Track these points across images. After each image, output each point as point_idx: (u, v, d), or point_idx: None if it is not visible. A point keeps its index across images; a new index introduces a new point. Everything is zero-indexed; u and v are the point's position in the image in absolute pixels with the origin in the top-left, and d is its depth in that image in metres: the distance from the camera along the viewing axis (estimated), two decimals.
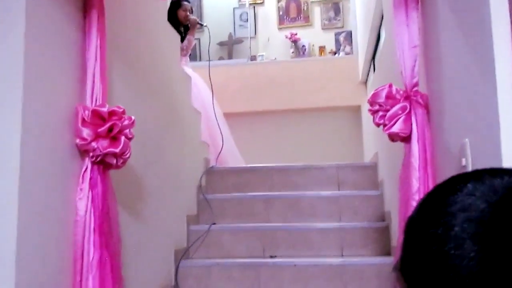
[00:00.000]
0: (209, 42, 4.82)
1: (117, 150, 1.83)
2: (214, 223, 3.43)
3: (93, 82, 1.86)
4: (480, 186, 0.53)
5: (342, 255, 3.20)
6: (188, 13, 4.50)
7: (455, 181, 0.57)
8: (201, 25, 4.60)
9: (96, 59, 1.88)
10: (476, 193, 0.53)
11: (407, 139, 1.90)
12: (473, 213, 0.51)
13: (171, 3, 4.47)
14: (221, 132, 4.15)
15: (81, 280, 1.72)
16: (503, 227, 0.49)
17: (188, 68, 4.42)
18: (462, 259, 0.49)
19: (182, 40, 4.39)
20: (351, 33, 5.86)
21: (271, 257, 3.21)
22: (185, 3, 4.53)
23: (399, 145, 2.07)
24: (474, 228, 0.50)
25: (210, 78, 4.11)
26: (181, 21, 4.48)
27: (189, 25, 4.51)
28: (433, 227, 0.53)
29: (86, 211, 1.76)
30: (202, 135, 4.14)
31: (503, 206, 0.51)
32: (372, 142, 4.31)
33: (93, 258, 1.74)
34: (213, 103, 4.20)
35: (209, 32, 4.54)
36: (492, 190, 0.52)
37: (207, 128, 4.27)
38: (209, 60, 4.35)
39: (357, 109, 5.58)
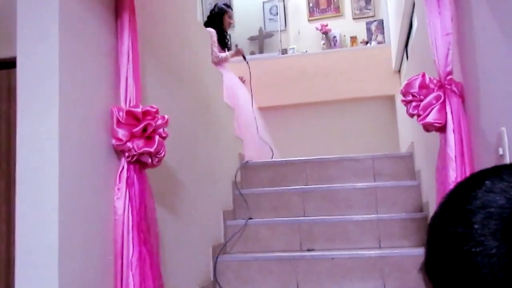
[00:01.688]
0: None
1: (152, 150, 1.86)
2: (251, 218, 3.45)
3: (126, 83, 1.89)
4: (499, 182, 0.53)
5: (380, 247, 3.17)
6: (232, 21, 4.61)
7: (474, 178, 0.56)
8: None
9: (128, 61, 1.91)
10: (495, 190, 0.52)
11: (442, 129, 1.87)
12: (492, 210, 0.51)
13: (218, 8, 4.58)
14: (257, 127, 4.20)
15: (122, 277, 1.76)
16: None
17: (230, 71, 4.53)
18: (484, 257, 0.49)
19: (224, 45, 4.50)
20: (382, 22, 5.78)
21: (309, 250, 3.21)
22: (230, 10, 4.61)
23: (436, 134, 2.04)
24: (494, 224, 0.50)
25: (250, 74, 4.21)
26: (225, 27, 4.59)
27: (236, 50, 4.67)
28: (453, 226, 0.53)
29: (124, 210, 1.80)
30: (239, 130, 4.20)
31: None
32: (408, 131, 4.24)
33: (132, 255, 1.77)
34: (251, 99, 4.27)
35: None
36: (510, 185, 0.52)
37: (244, 123, 4.33)
38: (247, 62, 4.44)
39: (391, 99, 5.50)
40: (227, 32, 4.64)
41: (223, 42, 4.56)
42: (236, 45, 4.69)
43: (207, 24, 4.59)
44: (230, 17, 4.61)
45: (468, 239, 0.51)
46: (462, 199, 0.55)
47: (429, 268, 0.57)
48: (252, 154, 4.25)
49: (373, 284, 2.88)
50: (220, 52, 4.52)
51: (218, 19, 4.58)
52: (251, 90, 4.38)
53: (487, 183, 0.54)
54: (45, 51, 1.60)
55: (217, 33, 4.50)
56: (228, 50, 4.69)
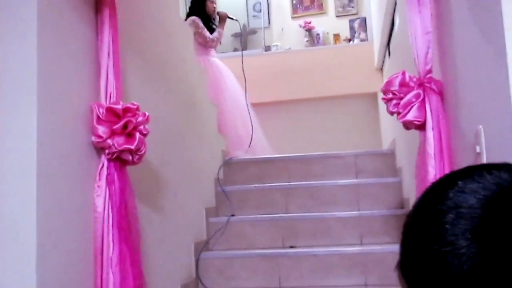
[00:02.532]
0: (241, 35, 4.89)
1: (133, 147, 1.85)
2: (233, 215, 3.45)
3: (107, 79, 1.88)
4: (470, 182, 0.54)
5: (362, 243, 3.20)
6: (215, 5, 4.56)
7: (447, 179, 0.57)
8: (232, 19, 4.65)
9: (109, 57, 1.90)
10: (466, 190, 0.53)
11: (422, 126, 1.89)
12: (463, 210, 0.52)
13: None
14: (251, 122, 4.20)
15: (102, 275, 1.75)
16: (493, 222, 0.50)
17: (216, 59, 4.48)
18: (454, 256, 0.50)
19: (211, 32, 4.46)
20: (365, 20, 5.81)
21: (291, 247, 3.23)
22: None
23: (416, 131, 2.06)
24: (465, 224, 0.51)
25: (243, 70, 4.25)
26: (209, 13, 4.53)
27: (219, 18, 4.56)
28: (426, 225, 0.54)
29: (104, 208, 1.79)
30: (233, 126, 4.20)
31: (492, 201, 0.51)
32: (390, 129, 4.28)
33: (112, 253, 1.76)
34: (246, 94, 4.27)
35: (240, 26, 4.62)
36: (481, 186, 0.53)
37: (239, 118, 4.33)
38: (242, 51, 4.47)
39: (373, 96, 5.53)
40: (213, 18, 4.60)
41: (209, 28, 4.53)
42: (218, 13, 4.58)
43: (190, 12, 4.52)
44: (213, 1, 4.56)
45: (440, 239, 0.52)
46: (435, 199, 0.55)
47: (403, 266, 0.58)
48: (241, 147, 4.25)
49: (355, 280, 2.90)
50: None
51: (200, 6, 4.51)
52: (245, 78, 4.32)
53: (459, 184, 0.54)
54: (24, 47, 1.58)
55: (202, 19, 4.45)
56: None
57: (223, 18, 4.58)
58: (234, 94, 4.42)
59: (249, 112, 4.31)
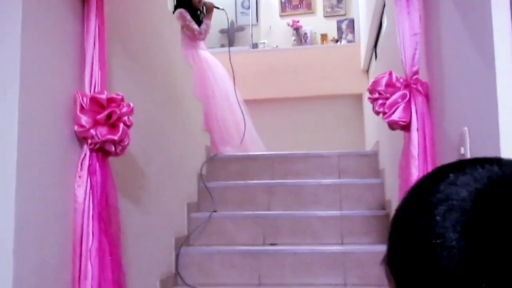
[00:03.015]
0: (228, 26, 4.88)
1: (116, 137, 1.83)
2: (215, 211, 3.44)
3: (92, 69, 1.85)
4: (462, 175, 0.53)
5: (343, 243, 3.21)
6: None
7: (438, 172, 0.57)
8: (218, 8, 4.59)
9: (94, 46, 1.87)
10: (457, 183, 0.53)
11: (406, 127, 1.89)
12: (454, 202, 0.51)
13: None
14: (244, 118, 4.18)
15: (80, 267, 1.73)
16: (484, 215, 0.49)
17: (206, 52, 4.44)
18: (443, 249, 0.49)
19: (199, 24, 4.41)
20: (353, 21, 5.83)
21: (272, 244, 3.22)
22: None
23: (400, 133, 2.06)
24: (455, 217, 0.50)
25: (231, 65, 4.21)
26: (195, 5, 4.47)
27: (206, 9, 4.51)
28: (416, 218, 0.53)
29: (85, 198, 1.76)
30: (221, 121, 4.17)
31: (483, 194, 0.51)
32: (374, 130, 4.30)
33: (92, 244, 1.74)
34: (235, 89, 4.24)
35: (227, 16, 4.56)
36: (473, 179, 0.52)
37: (229, 113, 4.29)
38: (229, 47, 4.42)
39: (358, 97, 5.56)
40: (199, 10, 4.56)
41: (197, 20, 4.48)
42: (204, 3, 4.53)
43: (177, 5, 4.46)
44: None
45: (429, 231, 0.51)
46: (425, 192, 0.55)
47: (391, 260, 0.57)
48: (231, 142, 4.23)
49: (335, 279, 2.91)
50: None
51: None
52: (233, 73, 4.29)
53: (450, 176, 0.54)
54: (7, 34, 1.54)
55: (189, 11, 4.39)
56: None
57: (210, 8, 4.54)
58: (223, 88, 4.39)
59: (240, 108, 4.27)
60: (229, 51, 4.35)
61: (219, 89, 4.38)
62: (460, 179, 0.53)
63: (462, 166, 0.55)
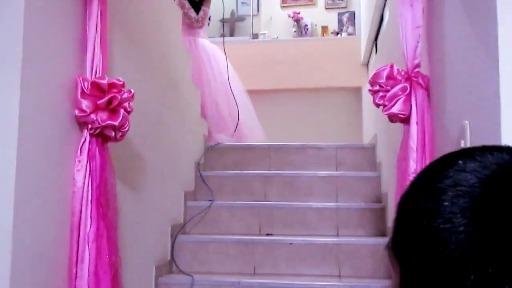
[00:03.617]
0: (223, 15, 4.87)
1: (116, 123, 1.83)
2: (211, 200, 3.44)
3: (93, 53, 1.84)
4: (471, 162, 0.54)
5: (338, 235, 3.22)
6: None
7: (447, 158, 0.57)
8: None
9: (96, 31, 1.86)
10: (466, 169, 0.53)
11: (406, 120, 1.90)
12: (463, 188, 0.52)
13: None
14: (237, 106, 4.17)
15: (77, 251, 1.74)
16: (493, 201, 0.50)
17: (205, 40, 4.42)
18: (451, 234, 0.50)
19: (198, 12, 4.40)
20: (354, 14, 5.82)
21: (268, 234, 3.23)
22: None
23: (398, 128, 2.07)
24: (464, 202, 0.51)
25: (225, 53, 4.22)
26: None
27: None
28: (423, 203, 0.54)
29: (84, 183, 1.76)
30: (215, 109, 4.16)
31: (493, 181, 0.51)
32: (372, 124, 4.31)
33: (90, 229, 1.75)
34: (228, 77, 4.23)
35: (223, 4, 4.56)
36: (482, 165, 0.53)
37: (225, 101, 4.29)
38: (223, 36, 4.42)
39: (357, 91, 5.56)
40: None
41: (198, 7, 4.48)
42: None
43: None
44: None
45: (437, 216, 0.51)
46: (434, 177, 0.55)
47: (396, 244, 0.58)
48: (225, 130, 4.23)
49: (329, 270, 2.93)
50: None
51: None
52: (226, 59, 4.30)
53: (459, 163, 0.54)
54: (9, 15, 1.54)
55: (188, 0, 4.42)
56: None
57: None
58: (220, 77, 4.38)
59: (233, 96, 4.26)
60: (223, 41, 4.33)
61: (215, 77, 4.37)
62: (469, 165, 0.53)
63: (472, 153, 0.55)
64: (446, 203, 0.51)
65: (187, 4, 4.35)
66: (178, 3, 4.27)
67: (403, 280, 0.56)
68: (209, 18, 4.72)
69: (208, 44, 4.50)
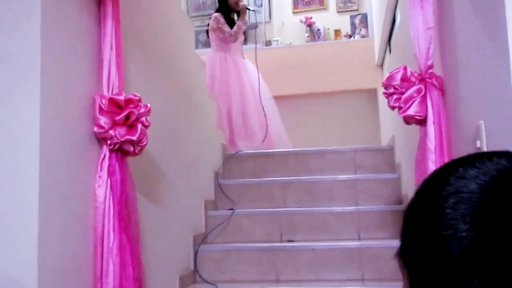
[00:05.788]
0: (256, 27, 5.24)
1: (134, 138, 1.86)
2: (232, 209, 3.46)
3: (109, 70, 1.88)
4: (471, 168, 0.55)
5: (359, 238, 3.21)
6: None
7: (448, 166, 0.58)
8: (249, 9, 4.70)
9: (111, 48, 1.90)
10: (467, 176, 0.54)
11: (422, 121, 1.90)
12: (464, 195, 0.53)
13: None
14: (265, 115, 4.25)
15: (102, 265, 1.76)
16: (493, 206, 0.51)
17: (238, 53, 4.59)
18: (454, 240, 0.51)
19: (232, 27, 4.53)
20: (366, 16, 5.81)
21: (289, 241, 3.24)
22: None
23: (416, 127, 2.06)
24: (464, 208, 0.52)
25: (256, 62, 4.40)
26: (231, 7, 4.65)
27: (239, 11, 4.62)
28: (427, 210, 0.55)
29: (105, 198, 1.79)
30: (252, 119, 4.27)
31: (492, 186, 0.52)
32: (389, 125, 4.29)
33: (113, 243, 1.77)
34: (259, 87, 4.36)
35: (255, 16, 4.75)
36: (481, 172, 0.54)
37: (256, 111, 4.37)
38: (256, 44, 4.52)
39: (373, 92, 5.54)
40: (236, 12, 4.65)
41: (230, 22, 4.59)
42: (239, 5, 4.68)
43: (218, 8, 4.71)
44: None
45: (440, 223, 0.53)
46: (436, 185, 0.57)
47: (404, 253, 0.59)
48: (254, 140, 4.31)
49: (352, 274, 2.92)
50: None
51: (223, 2, 4.66)
52: (257, 68, 4.45)
53: (460, 170, 0.56)
54: (27, 36, 1.58)
55: (224, 14, 4.58)
56: None
57: (242, 10, 4.66)
58: (250, 88, 4.49)
59: (262, 106, 4.35)
60: (255, 51, 4.45)
61: (246, 88, 4.48)
62: (469, 172, 0.55)
63: (471, 159, 0.57)
64: (448, 210, 0.53)
65: (222, 20, 4.53)
66: (213, 19, 4.50)
67: (411, 287, 0.57)
68: (245, 33, 4.86)
69: (240, 58, 4.65)
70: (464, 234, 0.50)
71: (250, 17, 4.80)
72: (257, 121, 4.41)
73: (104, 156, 1.84)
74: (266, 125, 4.32)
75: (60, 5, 1.71)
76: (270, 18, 6.32)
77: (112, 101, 1.84)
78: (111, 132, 1.83)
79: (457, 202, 0.53)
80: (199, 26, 6.12)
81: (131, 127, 1.88)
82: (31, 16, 1.58)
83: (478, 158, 0.56)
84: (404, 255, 0.59)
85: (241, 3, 4.64)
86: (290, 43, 6.06)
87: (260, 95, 4.39)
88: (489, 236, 0.49)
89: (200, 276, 3.05)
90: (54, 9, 1.67)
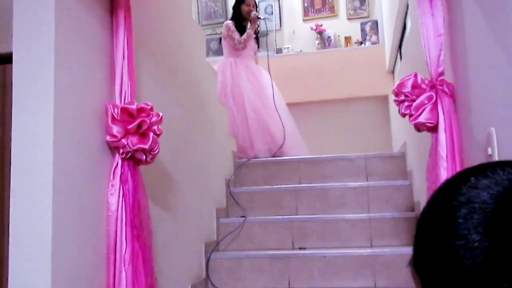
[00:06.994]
0: (267, 35, 5.22)
1: (146, 146, 1.88)
2: (243, 216, 3.46)
3: (122, 80, 1.90)
4: (483, 178, 0.55)
5: (372, 246, 3.20)
6: (252, 8, 4.66)
7: (461, 175, 0.58)
8: (259, 18, 4.77)
9: (124, 58, 1.92)
10: (479, 186, 0.54)
11: (434, 128, 1.89)
12: (476, 205, 0.53)
13: (236, 1, 4.77)
14: (282, 123, 4.28)
15: (114, 273, 1.78)
16: (506, 216, 0.51)
17: (248, 60, 4.65)
18: (466, 250, 0.51)
19: (242, 34, 4.63)
20: (377, 23, 5.81)
21: (301, 248, 3.23)
22: None
23: (428, 134, 2.06)
24: (477, 219, 0.52)
25: (269, 70, 4.48)
26: (244, 16, 4.73)
27: (250, 20, 4.70)
28: (439, 220, 0.55)
29: (118, 206, 1.81)
30: (269, 126, 4.35)
31: (505, 196, 0.52)
32: (400, 131, 4.27)
33: (125, 251, 1.79)
34: (273, 95, 4.42)
35: (265, 24, 4.83)
36: (494, 182, 0.54)
37: (271, 114, 4.40)
38: (267, 51, 4.64)
39: (384, 99, 5.53)
40: (249, 20, 4.72)
41: (242, 30, 4.66)
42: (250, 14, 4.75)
43: (232, 17, 4.81)
44: (248, 4, 4.73)
45: (452, 233, 0.53)
46: (448, 195, 0.57)
47: (416, 262, 0.59)
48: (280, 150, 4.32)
49: (364, 282, 2.91)
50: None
51: (237, 10, 4.76)
52: (270, 73, 4.53)
53: (472, 180, 0.56)
54: (41, 47, 1.60)
55: (236, 22, 4.68)
56: None
57: (253, 19, 4.71)
58: (263, 95, 4.53)
59: (278, 113, 4.39)
60: (268, 59, 4.49)
61: (259, 90, 4.52)
62: (481, 182, 0.55)
63: (483, 169, 0.57)
64: (460, 220, 0.53)
65: (233, 28, 4.63)
66: (225, 27, 4.62)
67: None
68: (257, 41, 4.91)
69: (252, 63, 4.66)
70: (476, 244, 0.51)
71: (261, 25, 4.84)
72: (273, 123, 4.43)
73: (117, 164, 1.85)
74: (283, 129, 4.35)
75: (73, 17, 1.73)
76: (280, 26, 6.34)
77: (124, 110, 1.86)
78: (123, 141, 1.85)
79: (469, 212, 0.53)
80: (210, 34, 6.16)
81: (143, 135, 1.90)
82: (44, 27, 1.60)
83: (490, 168, 0.56)
84: (417, 264, 0.59)
85: (253, 12, 4.68)
86: (301, 51, 6.07)
87: (274, 100, 4.41)
88: (502, 246, 0.49)
89: (212, 284, 3.05)
90: (68, 20, 1.69)
